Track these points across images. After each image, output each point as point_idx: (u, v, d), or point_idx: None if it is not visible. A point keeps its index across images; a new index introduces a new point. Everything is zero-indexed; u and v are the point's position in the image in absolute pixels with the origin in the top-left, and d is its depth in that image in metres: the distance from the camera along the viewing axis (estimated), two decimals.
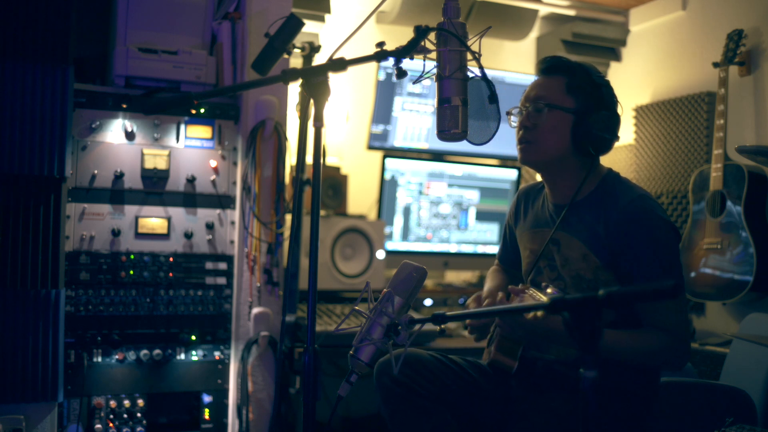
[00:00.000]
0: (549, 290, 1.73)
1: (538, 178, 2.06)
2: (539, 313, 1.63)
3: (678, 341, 1.74)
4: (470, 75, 1.61)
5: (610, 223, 1.80)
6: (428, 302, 3.37)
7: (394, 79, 3.39)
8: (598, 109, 1.83)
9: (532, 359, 1.92)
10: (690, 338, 1.77)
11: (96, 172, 2.57)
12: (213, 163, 2.72)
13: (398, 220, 3.53)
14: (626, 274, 1.78)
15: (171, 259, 2.66)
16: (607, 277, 1.81)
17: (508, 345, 1.89)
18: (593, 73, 1.89)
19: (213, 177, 2.72)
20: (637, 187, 1.87)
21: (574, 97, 1.85)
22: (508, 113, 1.88)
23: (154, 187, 2.65)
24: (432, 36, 1.56)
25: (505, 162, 3.86)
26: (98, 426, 2.52)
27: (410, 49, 1.49)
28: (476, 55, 1.60)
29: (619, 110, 1.88)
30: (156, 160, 2.64)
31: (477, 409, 1.93)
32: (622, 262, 1.78)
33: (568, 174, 1.90)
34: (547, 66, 1.91)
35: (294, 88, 2.88)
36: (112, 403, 2.55)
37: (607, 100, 1.87)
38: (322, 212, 3.22)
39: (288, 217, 2.78)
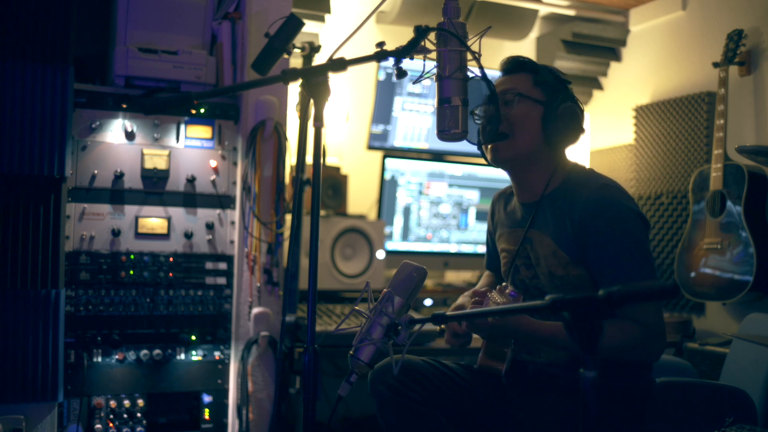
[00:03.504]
0: (507, 290, 1.79)
1: None
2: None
3: (653, 335, 1.72)
4: (470, 75, 1.61)
5: (574, 215, 1.79)
6: (428, 302, 3.37)
7: (394, 79, 3.39)
8: (564, 101, 1.86)
9: (523, 362, 1.92)
10: (664, 332, 1.76)
11: (96, 172, 2.57)
12: (213, 163, 2.72)
13: (398, 220, 3.53)
14: (595, 267, 1.77)
15: (171, 259, 2.66)
16: (578, 272, 1.80)
17: (496, 349, 1.90)
18: (557, 71, 1.93)
19: (213, 177, 2.72)
20: (602, 177, 1.87)
21: (542, 89, 1.88)
22: (473, 113, 1.84)
23: (154, 187, 2.65)
24: (432, 36, 1.56)
25: None
26: (98, 426, 2.52)
27: (410, 49, 1.49)
28: (476, 55, 1.60)
29: (580, 106, 1.91)
30: (156, 160, 2.64)
31: (471, 412, 1.94)
32: (589, 255, 1.77)
33: (537, 170, 1.90)
34: (512, 65, 1.94)
35: (294, 88, 2.88)
36: (112, 403, 2.55)
37: (572, 95, 1.91)
38: (322, 212, 3.22)
39: (288, 217, 2.78)
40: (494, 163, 1.92)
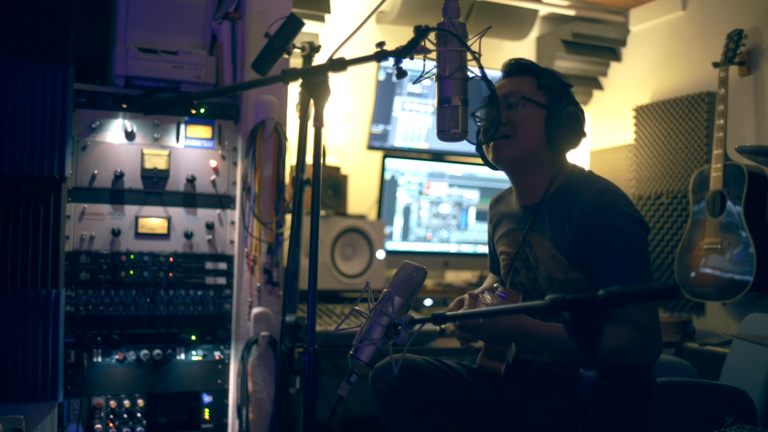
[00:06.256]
0: (497, 291, 1.82)
1: None
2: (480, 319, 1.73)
3: (650, 338, 1.73)
4: (470, 75, 1.61)
5: (572, 219, 1.79)
6: (428, 302, 3.37)
7: (394, 79, 3.39)
8: (567, 105, 1.86)
9: (525, 361, 1.92)
10: (660, 335, 1.76)
11: (96, 172, 2.57)
12: (213, 163, 2.72)
13: (398, 220, 3.53)
14: (592, 272, 1.77)
15: (171, 259, 2.66)
16: (576, 276, 1.80)
17: (495, 349, 1.90)
18: (558, 74, 1.94)
19: (213, 177, 2.72)
20: (602, 181, 1.86)
21: (544, 92, 1.88)
22: (473, 115, 1.81)
23: (154, 187, 2.65)
24: (432, 36, 1.56)
25: None
26: (98, 426, 2.52)
27: (410, 49, 1.49)
28: (476, 55, 1.60)
29: (582, 110, 1.92)
30: (156, 160, 2.64)
31: (472, 411, 1.94)
32: (586, 259, 1.77)
33: (538, 172, 1.89)
34: (515, 67, 1.93)
35: (294, 88, 2.88)
36: (112, 403, 2.55)
37: (573, 98, 1.91)
38: (322, 212, 3.22)
39: (288, 217, 2.78)
40: (495, 162, 1.91)
